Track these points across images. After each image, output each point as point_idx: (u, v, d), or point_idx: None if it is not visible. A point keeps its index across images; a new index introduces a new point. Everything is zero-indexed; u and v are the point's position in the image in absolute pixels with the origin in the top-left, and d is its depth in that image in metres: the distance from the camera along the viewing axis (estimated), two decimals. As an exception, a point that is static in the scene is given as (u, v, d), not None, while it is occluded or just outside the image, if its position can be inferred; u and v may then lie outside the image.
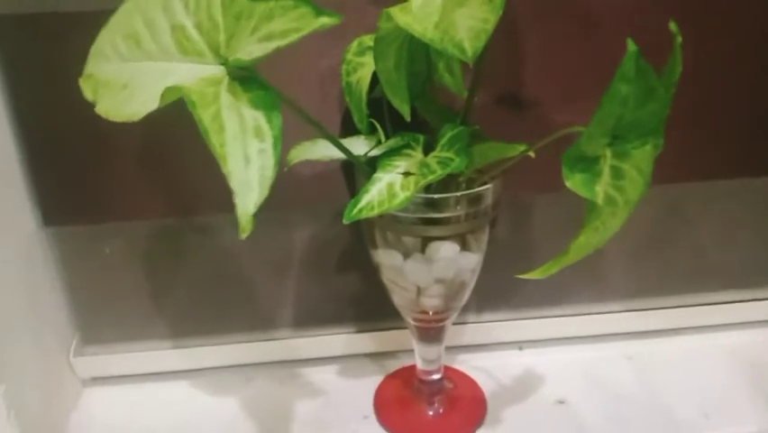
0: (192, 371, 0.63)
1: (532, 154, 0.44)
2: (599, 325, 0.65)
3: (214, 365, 0.64)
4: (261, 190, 0.31)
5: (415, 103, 0.48)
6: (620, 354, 0.64)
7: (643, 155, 0.35)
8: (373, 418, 0.58)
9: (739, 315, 0.66)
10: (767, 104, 0.57)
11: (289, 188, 0.56)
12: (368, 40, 0.49)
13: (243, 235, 0.30)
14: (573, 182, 0.34)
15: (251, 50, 0.32)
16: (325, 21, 0.30)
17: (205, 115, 0.31)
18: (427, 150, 0.45)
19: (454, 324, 0.59)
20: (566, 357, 0.64)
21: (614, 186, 0.35)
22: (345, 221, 0.42)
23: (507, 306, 0.64)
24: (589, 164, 0.35)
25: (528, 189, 0.58)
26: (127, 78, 0.37)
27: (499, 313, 0.64)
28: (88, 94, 0.38)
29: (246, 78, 0.34)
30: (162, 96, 0.32)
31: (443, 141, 0.44)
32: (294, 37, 0.31)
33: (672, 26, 0.31)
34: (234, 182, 0.31)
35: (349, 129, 0.52)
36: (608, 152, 0.35)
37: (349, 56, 0.48)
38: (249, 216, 0.30)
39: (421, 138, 0.46)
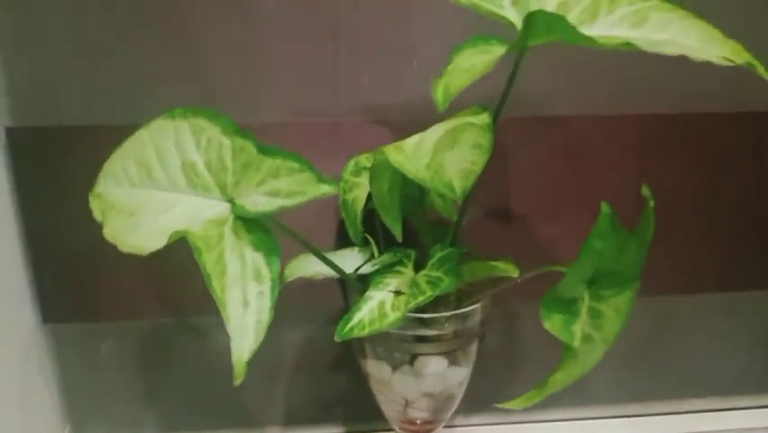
0: (180, 467, 0.63)
1: (518, 279, 0.46)
2: (586, 430, 0.65)
3: (202, 462, 0.64)
4: (257, 336, 0.32)
5: (408, 219, 0.50)
6: (607, 459, 0.65)
7: (620, 299, 0.37)
8: None
9: (727, 423, 0.67)
10: (753, 222, 0.60)
11: (283, 291, 0.58)
12: (363, 159, 0.51)
13: (237, 382, 0.31)
14: (551, 324, 0.36)
15: (256, 200, 0.34)
16: (326, 189, 0.33)
17: (208, 260, 0.33)
18: (420, 264, 0.47)
19: (443, 427, 0.60)
20: (552, 462, 0.64)
21: (592, 324, 0.37)
22: (337, 339, 0.43)
23: (495, 410, 0.64)
24: (567, 305, 0.37)
25: (516, 299, 0.60)
26: (135, 205, 0.39)
27: (487, 417, 0.65)
28: (97, 213, 0.40)
29: (249, 219, 0.36)
30: (170, 237, 0.34)
31: (433, 260, 0.46)
32: (298, 200, 0.33)
33: (645, 191, 0.34)
34: (232, 328, 0.32)
35: (344, 237, 0.54)
36: (586, 295, 0.37)
37: (345, 175, 0.51)
38: (243, 363, 0.32)
39: (412, 254, 0.48)
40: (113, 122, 0.52)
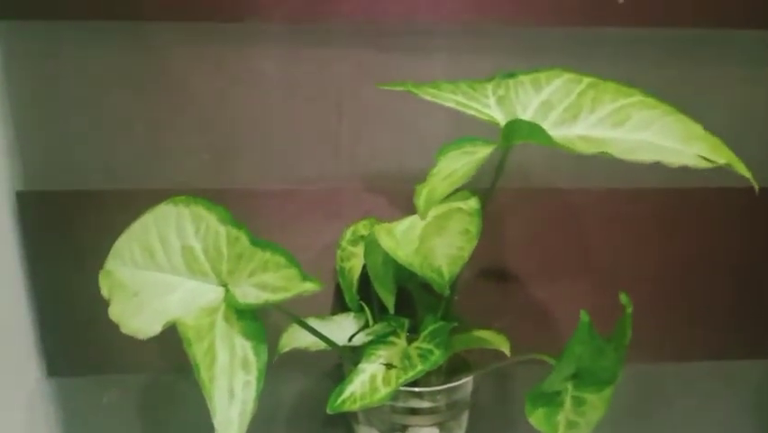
0: None
1: (507, 353, 0.47)
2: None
3: None
4: (240, 428, 0.34)
5: (403, 285, 0.51)
6: None
7: (603, 391, 0.38)
8: None
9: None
10: (744, 293, 0.61)
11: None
12: (361, 228, 0.53)
13: None
14: (535, 418, 0.37)
15: (246, 292, 0.36)
16: (309, 287, 0.34)
17: (198, 350, 0.35)
18: (413, 328, 0.49)
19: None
20: None
21: (576, 412, 0.38)
22: (329, 411, 0.44)
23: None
24: (551, 398, 0.38)
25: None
26: (139, 287, 0.41)
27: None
28: (104, 291, 0.42)
29: (239, 307, 0.37)
30: (164, 324, 0.36)
31: (425, 333, 0.48)
32: (282, 296, 0.35)
33: (623, 298, 0.35)
34: (218, 420, 0.34)
35: (341, 300, 0.55)
36: (570, 386, 0.38)
37: (343, 243, 0.52)
38: None
39: (405, 323, 0.50)
40: (123, 186, 0.54)
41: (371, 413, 0.50)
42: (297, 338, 0.49)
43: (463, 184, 0.41)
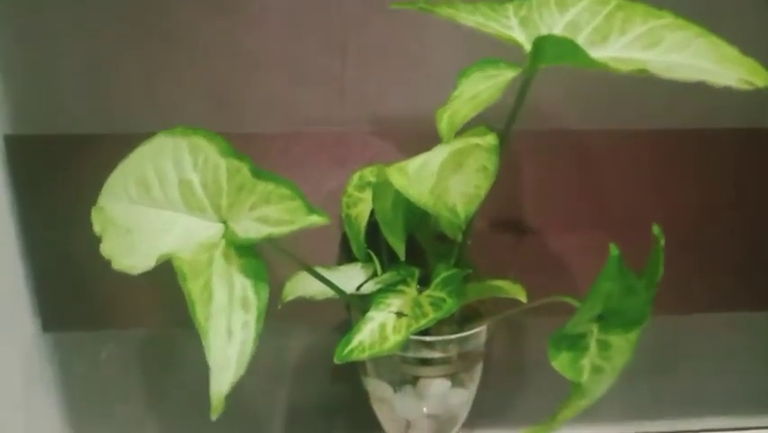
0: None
1: (524, 300, 0.45)
2: (593, 447, 0.64)
3: (203, 472, 0.63)
4: (238, 368, 0.31)
5: (413, 233, 0.49)
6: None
7: (629, 333, 0.36)
8: None
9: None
10: (765, 241, 0.58)
11: (288, 303, 0.57)
12: (368, 174, 0.50)
13: (215, 416, 0.30)
14: (559, 362, 0.35)
15: (247, 226, 0.33)
16: (315, 220, 0.32)
17: (194, 287, 0.32)
18: (424, 279, 0.46)
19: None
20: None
21: (601, 356, 0.36)
22: (337, 361, 0.42)
23: (499, 424, 0.64)
24: (575, 341, 0.35)
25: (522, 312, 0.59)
26: (132, 223, 0.38)
27: (492, 430, 0.64)
28: (97, 227, 0.40)
29: (241, 243, 0.35)
30: (158, 259, 0.34)
31: (437, 281, 0.45)
32: (286, 229, 0.32)
33: (656, 230, 0.32)
34: (213, 358, 0.31)
35: (348, 251, 0.53)
36: (595, 328, 0.36)
37: (350, 189, 0.50)
38: (222, 396, 0.31)
39: (416, 272, 0.47)
40: (114, 131, 0.51)
41: (380, 365, 0.48)
42: (301, 287, 0.47)
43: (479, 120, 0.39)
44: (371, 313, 0.44)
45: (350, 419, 0.63)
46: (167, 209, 0.38)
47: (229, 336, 0.32)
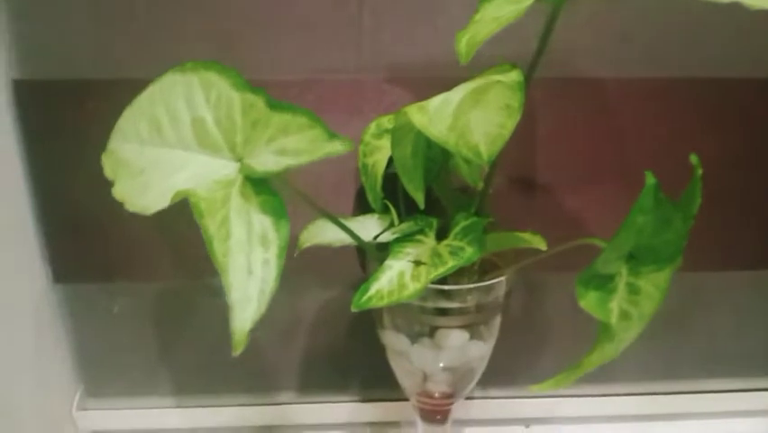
0: (193, 430, 0.63)
1: (544, 248, 0.44)
2: (608, 406, 0.64)
3: (214, 426, 0.63)
4: (260, 306, 0.30)
5: (431, 185, 0.47)
6: (628, 437, 0.63)
7: (659, 275, 0.34)
8: (373, 495, 0.57)
9: (749, 403, 0.64)
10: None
11: (302, 255, 0.56)
12: (386, 122, 0.49)
13: (236, 353, 0.30)
14: (587, 302, 0.33)
15: (265, 160, 0.32)
16: (337, 147, 0.30)
17: (211, 223, 0.31)
18: (442, 233, 0.45)
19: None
20: (573, 438, 0.63)
21: (629, 301, 0.35)
22: (353, 309, 0.41)
23: (515, 382, 0.63)
24: (603, 282, 0.34)
25: (541, 269, 0.57)
26: (145, 164, 0.37)
27: (507, 389, 0.63)
28: (108, 171, 0.39)
29: (259, 179, 0.34)
30: (173, 197, 0.32)
31: (457, 229, 0.44)
32: (306, 159, 0.31)
33: (693, 159, 0.31)
34: (233, 296, 0.30)
35: (363, 203, 0.52)
36: (625, 270, 0.35)
37: (366, 137, 0.48)
38: (245, 333, 0.30)
39: (434, 222, 0.46)
40: (125, 75, 0.50)
41: (398, 316, 0.47)
42: (318, 234, 0.46)
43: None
44: (389, 262, 0.43)
45: (364, 376, 0.62)
46: (180, 149, 0.36)
47: (249, 274, 0.31)
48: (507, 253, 0.48)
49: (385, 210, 0.49)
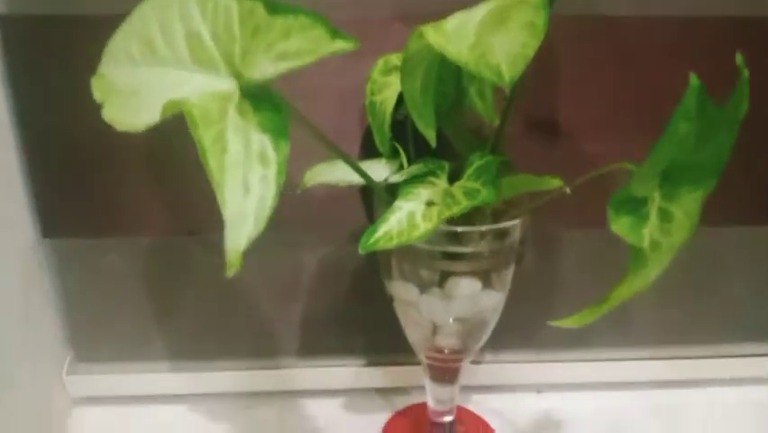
0: (189, 395, 0.60)
1: (567, 191, 0.41)
2: (623, 372, 0.61)
3: (211, 391, 0.60)
4: (257, 224, 0.28)
5: (441, 127, 0.45)
6: (645, 403, 0.60)
7: (693, 199, 0.32)
8: (379, 460, 0.54)
9: (770, 369, 0.62)
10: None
11: (301, 208, 0.53)
12: (394, 59, 0.46)
13: (230, 273, 0.27)
14: (619, 226, 0.31)
15: (264, 68, 0.29)
16: (341, 45, 0.28)
17: (206, 136, 0.28)
18: (453, 179, 0.42)
19: (470, 362, 0.55)
20: (586, 404, 0.60)
21: (660, 229, 0.32)
22: (361, 250, 0.38)
23: (527, 346, 0.60)
24: (636, 206, 0.32)
25: (557, 224, 0.55)
26: (138, 85, 0.34)
27: (518, 353, 0.61)
28: (97, 94, 0.36)
29: (258, 96, 0.31)
30: (164, 108, 0.30)
31: (470, 170, 0.41)
32: (307, 59, 0.28)
33: (738, 59, 0.28)
34: (229, 213, 0.27)
35: (369, 151, 0.49)
36: (657, 195, 0.32)
37: (374, 75, 0.45)
38: (239, 252, 0.27)
39: (446, 166, 0.43)
40: (115, 11, 0.46)
41: (406, 262, 0.44)
42: (323, 173, 0.43)
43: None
44: (399, 202, 0.40)
45: (369, 339, 0.60)
46: (175, 68, 0.33)
47: (246, 191, 0.28)
48: (522, 200, 0.45)
49: (393, 154, 0.46)
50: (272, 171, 0.29)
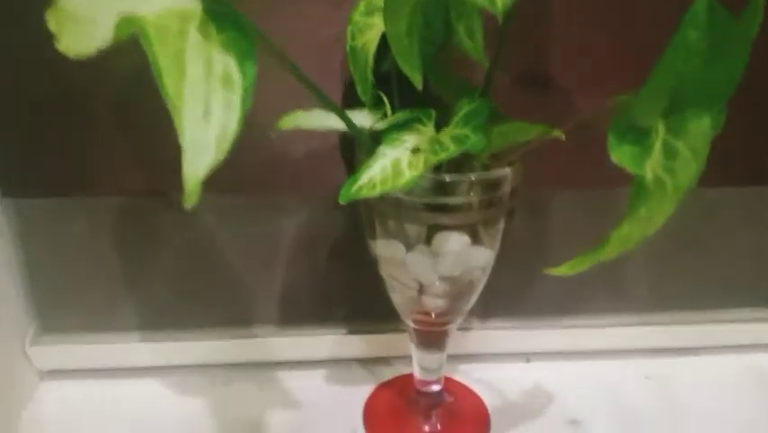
0: (161, 368, 0.57)
1: (562, 137, 0.38)
2: (616, 339, 0.59)
3: (185, 363, 0.57)
4: (218, 152, 0.25)
5: (428, 75, 0.42)
6: (639, 372, 0.58)
7: (699, 132, 0.29)
8: (362, 431, 0.51)
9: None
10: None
11: (278, 169, 0.50)
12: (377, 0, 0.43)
13: (189, 204, 0.24)
14: (620, 156, 0.29)
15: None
16: None
17: (162, 55, 0.25)
18: (440, 128, 0.39)
19: (456, 329, 0.53)
20: (578, 373, 0.58)
21: (664, 167, 0.30)
22: (341, 201, 0.36)
23: (516, 312, 0.58)
24: (638, 137, 0.29)
25: (547, 184, 0.52)
26: (94, 10, 0.31)
27: (507, 320, 0.58)
28: (53, 25, 0.32)
29: (222, 15, 0.28)
30: (117, 27, 0.26)
31: (459, 116, 0.39)
32: None
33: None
34: (187, 139, 0.24)
35: (351, 100, 0.46)
36: (661, 126, 0.30)
37: (356, 16, 0.42)
38: (198, 180, 0.24)
39: (433, 114, 0.40)
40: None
41: (390, 217, 0.41)
42: (302, 118, 0.40)
43: None
44: (383, 149, 0.37)
45: (350, 306, 0.57)
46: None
47: (206, 116, 0.25)
48: (513, 153, 0.42)
49: (376, 103, 0.43)
50: (237, 96, 0.26)
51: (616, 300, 0.58)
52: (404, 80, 0.40)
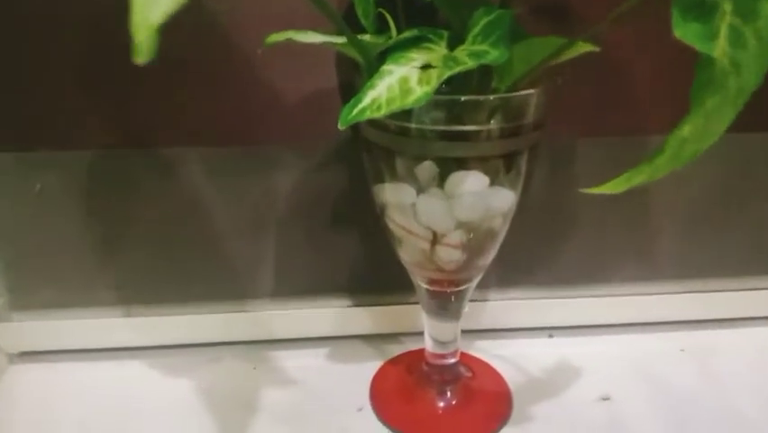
0: (146, 348, 0.52)
1: (596, 49, 0.33)
2: (647, 310, 0.53)
3: (173, 342, 0.52)
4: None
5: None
6: (672, 345, 0.53)
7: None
8: (369, 410, 0.46)
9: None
10: None
11: (272, 118, 0.45)
12: None
13: (140, 60, 0.18)
14: (684, 32, 0.24)
15: None
16: None
17: None
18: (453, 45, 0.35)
19: (472, 301, 0.48)
20: (606, 347, 0.52)
21: (730, 58, 0.25)
22: (341, 126, 0.31)
23: (537, 282, 0.53)
24: (704, 15, 0.24)
25: (571, 134, 0.47)
26: None
27: (527, 290, 0.53)
28: None
29: None
30: None
31: (476, 30, 0.34)
32: None
33: None
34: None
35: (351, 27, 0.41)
36: (728, 6, 0.25)
37: (355, -74, 0.37)
38: (151, 28, 0.19)
39: (445, 34, 0.35)
40: None
41: (398, 147, 0.36)
42: (291, 35, 0.35)
43: None
44: (389, 66, 0.32)
45: (352, 276, 0.51)
46: None
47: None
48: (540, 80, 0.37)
49: (380, 29, 0.38)
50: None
51: (645, 268, 0.53)
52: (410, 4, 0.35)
